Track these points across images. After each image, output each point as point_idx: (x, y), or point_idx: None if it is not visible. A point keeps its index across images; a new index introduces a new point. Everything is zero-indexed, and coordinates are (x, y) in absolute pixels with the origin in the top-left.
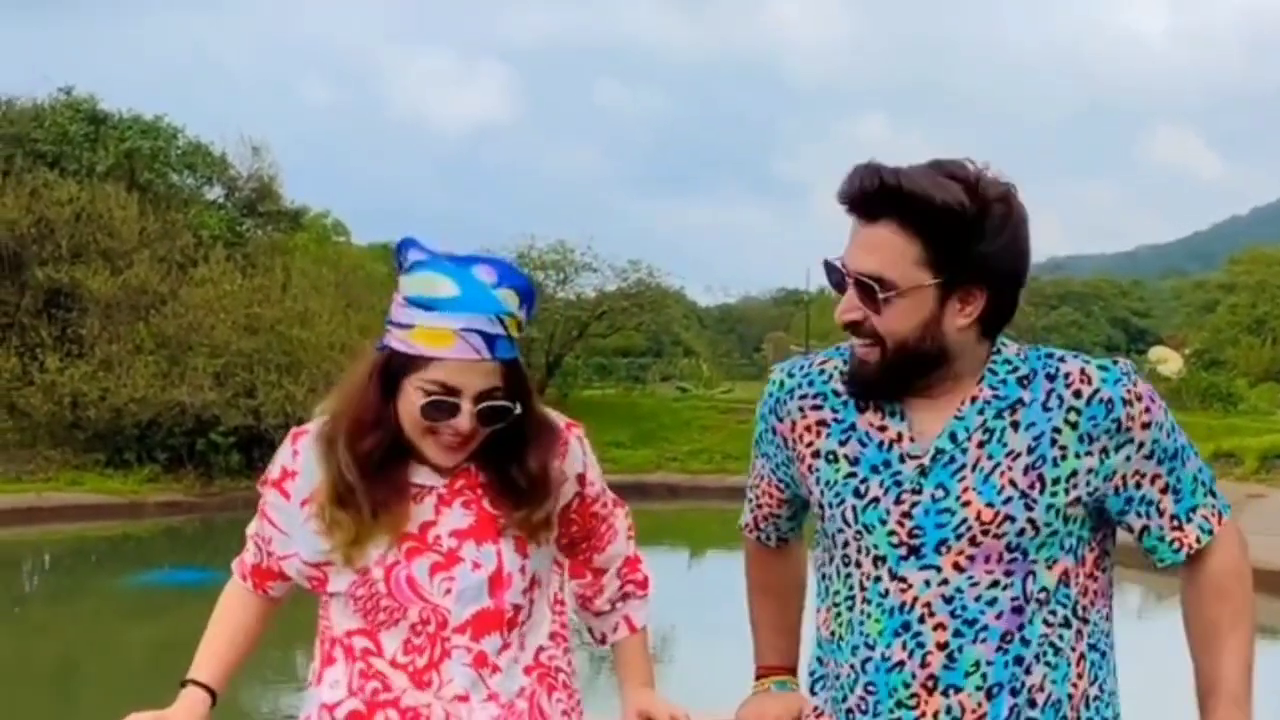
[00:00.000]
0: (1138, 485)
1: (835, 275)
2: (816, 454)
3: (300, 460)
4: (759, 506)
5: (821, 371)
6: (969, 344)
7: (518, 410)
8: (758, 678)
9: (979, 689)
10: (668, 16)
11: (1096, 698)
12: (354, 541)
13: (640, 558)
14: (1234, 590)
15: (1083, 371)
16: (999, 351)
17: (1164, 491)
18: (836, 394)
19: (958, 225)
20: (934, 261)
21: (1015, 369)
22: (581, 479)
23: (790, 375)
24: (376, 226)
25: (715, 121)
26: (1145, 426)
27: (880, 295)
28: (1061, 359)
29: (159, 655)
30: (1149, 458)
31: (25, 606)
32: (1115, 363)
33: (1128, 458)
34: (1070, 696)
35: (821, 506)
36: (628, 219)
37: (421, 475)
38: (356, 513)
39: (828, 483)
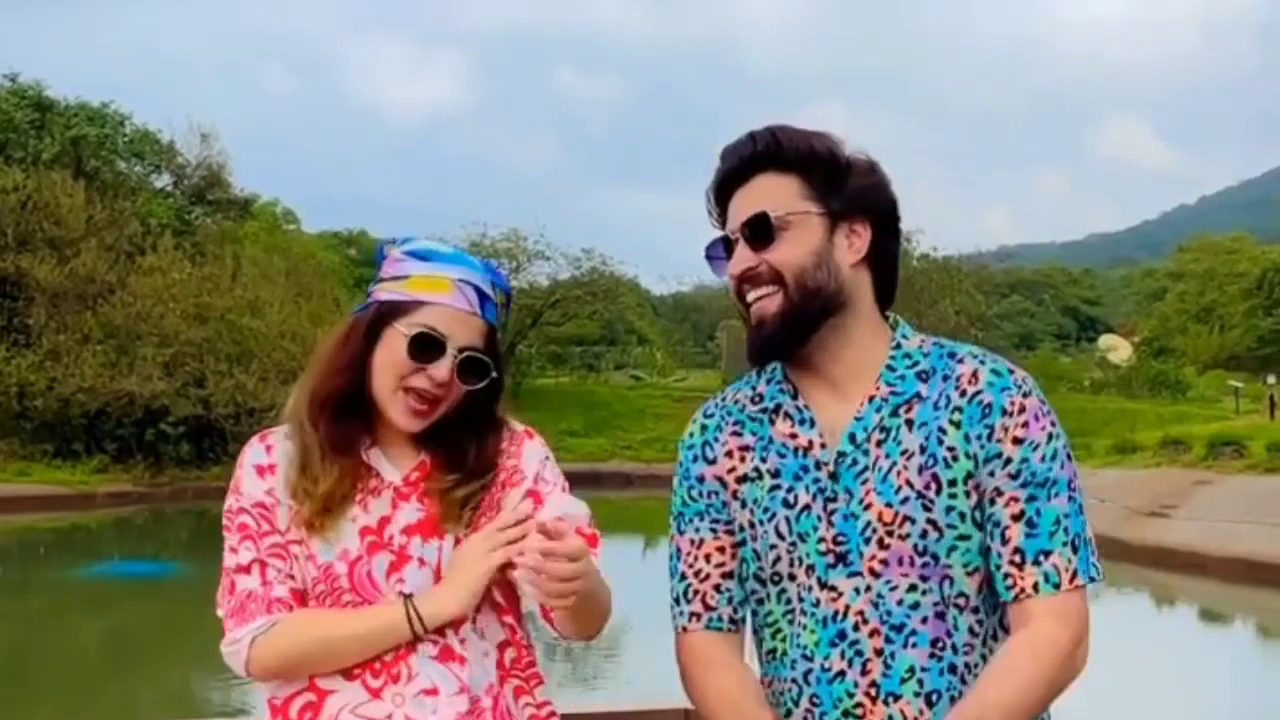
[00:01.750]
0: (992, 503)
1: (720, 249)
2: (741, 478)
3: (276, 453)
4: (704, 579)
5: (736, 401)
6: (864, 303)
7: (493, 375)
8: None
9: (918, 695)
10: (627, 2)
11: None
12: (323, 508)
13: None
14: (1030, 669)
15: (974, 373)
16: (899, 346)
17: (1016, 519)
18: (751, 417)
19: (832, 164)
20: (814, 195)
21: (915, 364)
22: (537, 476)
23: (709, 416)
24: (328, 215)
25: (671, 109)
26: (1017, 442)
27: (773, 219)
28: (960, 359)
29: (110, 646)
30: (1013, 477)
31: None
32: (1012, 371)
33: (992, 472)
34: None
35: (752, 526)
36: (582, 207)
37: (381, 467)
38: (321, 475)
39: (755, 501)
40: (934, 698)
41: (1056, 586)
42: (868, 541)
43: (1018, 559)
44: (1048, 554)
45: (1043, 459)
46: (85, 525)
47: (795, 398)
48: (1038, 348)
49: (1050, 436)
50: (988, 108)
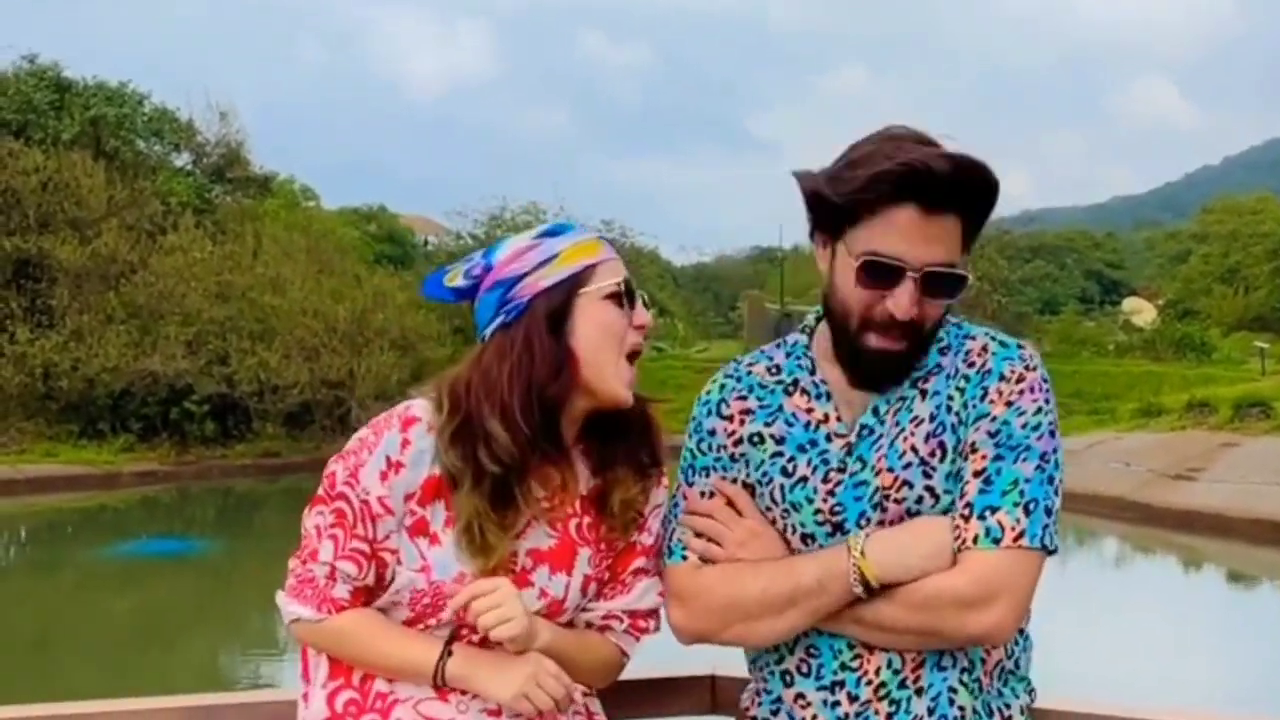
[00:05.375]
0: (965, 458)
1: (886, 270)
2: (740, 440)
3: (411, 451)
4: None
5: (750, 370)
6: None
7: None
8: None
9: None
10: None
11: (1011, 672)
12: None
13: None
14: (927, 618)
15: (984, 346)
16: None
17: (977, 475)
18: (763, 385)
19: (988, 214)
20: (967, 243)
21: (938, 341)
22: (645, 525)
23: (728, 376)
24: (348, 190)
25: (694, 77)
26: (1008, 404)
27: (965, 283)
28: (971, 336)
29: (138, 625)
30: (990, 435)
31: (3, 578)
32: (1021, 347)
33: (977, 428)
34: (984, 661)
35: (749, 488)
36: (601, 178)
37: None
38: (507, 512)
39: (755, 464)
40: (920, 653)
41: (996, 542)
42: (873, 508)
43: (966, 512)
44: (995, 510)
45: (1024, 426)
46: (112, 504)
47: (813, 373)
48: (1061, 312)
49: (1039, 410)
50: (1010, 69)
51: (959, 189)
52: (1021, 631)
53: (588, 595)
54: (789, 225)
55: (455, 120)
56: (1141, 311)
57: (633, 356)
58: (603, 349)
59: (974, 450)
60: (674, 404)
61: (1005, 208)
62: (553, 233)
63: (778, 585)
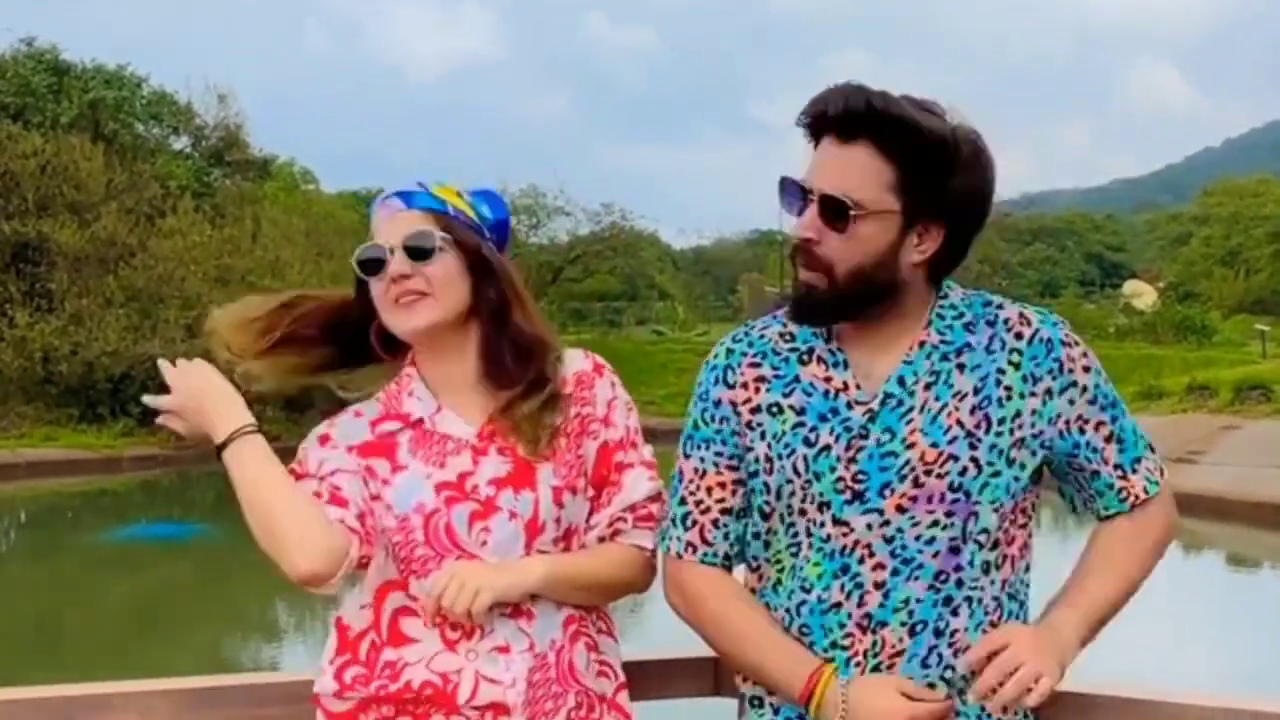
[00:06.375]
0: (1081, 430)
1: (795, 194)
2: (757, 409)
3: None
4: (705, 512)
5: (763, 335)
6: (918, 283)
7: (439, 242)
8: (808, 686)
9: (904, 625)
10: None
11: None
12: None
13: (660, 504)
14: (1148, 542)
15: (1021, 315)
16: (945, 296)
17: (1108, 440)
18: (776, 352)
19: (936, 155)
20: (904, 188)
21: (961, 314)
22: (606, 419)
23: (736, 342)
24: (347, 173)
25: (696, 61)
26: (1086, 370)
27: (851, 213)
28: (1000, 305)
29: (138, 609)
30: (1092, 403)
31: (3, 563)
32: (1052, 310)
33: (1071, 401)
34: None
35: (768, 460)
36: (599, 161)
37: (453, 427)
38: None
39: (775, 435)
40: (918, 628)
41: (1156, 485)
42: (903, 480)
43: (1120, 472)
44: (1140, 460)
45: (1105, 381)
46: (112, 489)
47: (829, 341)
48: (1061, 295)
49: (1097, 361)
50: (1011, 52)
51: (860, 118)
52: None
53: (564, 506)
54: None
55: (456, 103)
56: (1142, 294)
57: (400, 295)
58: (380, 311)
59: (1085, 421)
60: (674, 388)
61: (1005, 190)
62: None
63: (754, 650)
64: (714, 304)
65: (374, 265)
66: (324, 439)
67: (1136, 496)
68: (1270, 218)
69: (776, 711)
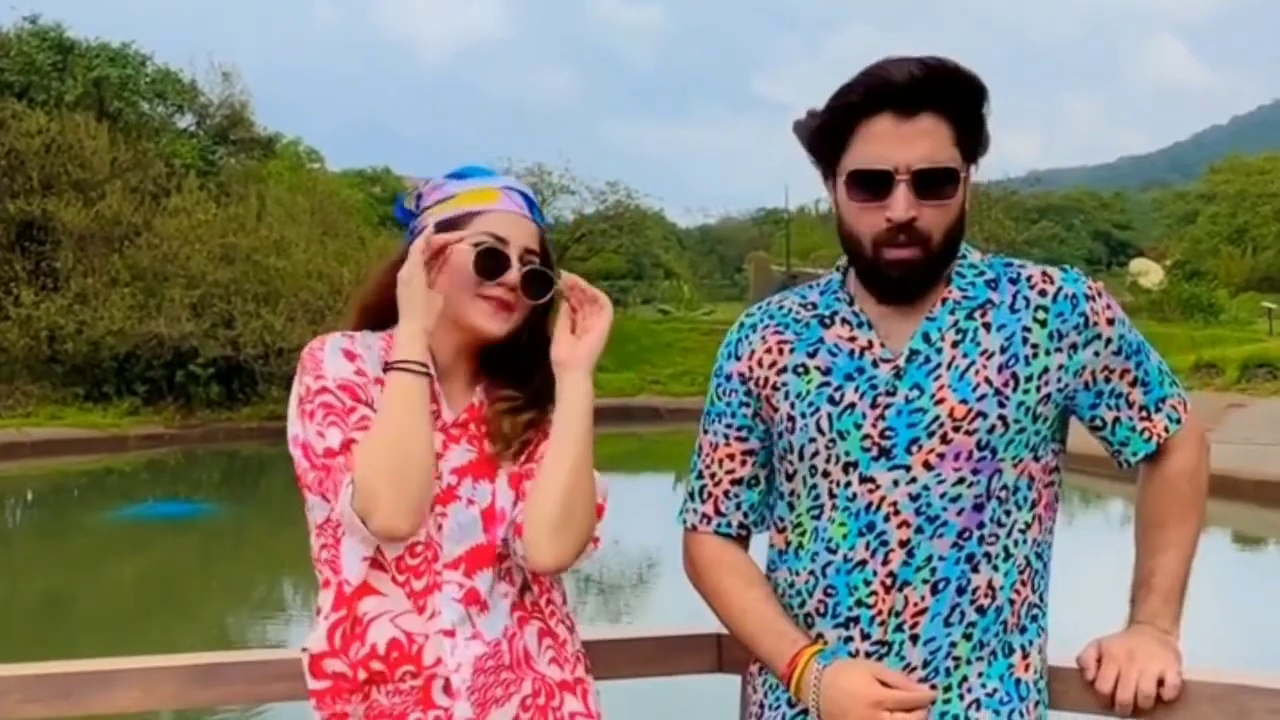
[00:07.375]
0: (1107, 379)
1: (872, 180)
2: (782, 370)
3: (359, 343)
4: (717, 483)
5: (783, 307)
6: None
7: (557, 284)
8: (790, 666)
9: (926, 583)
10: None
11: (1035, 606)
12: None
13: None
14: (1186, 488)
15: (1044, 273)
16: (964, 257)
17: (1133, 385)
18: (798, 319)
19: (980, 106)
20: (963, 145)
21: (982, 273)
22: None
23: (749, 317)
24: (353, 152)
25: (704, 38)
26: (1110, 322)
27: (954, 182)
28: (1021, 265)
29: (143, 588)
30: (1117, 353)
31: (10, 542)
32: (1072, 266)
33: (1096, 353)
34: (1012, 603)
35: (791, 419)
36: (610, 140)
37: (440, 403)
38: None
39: (799, 394)
40: (940, 585)
41: (1179, 421)
42: (931, 436)
43: (1144, 414)
44: (1164, 400)
45: (1130, 330)
46: (118, 467)
47: (851, 304)
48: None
49: (1120, 308)
50: (1020, 29)
51: (927, 87)
52: (1040, 605)
53: (520, 493)
54: (795, 187)
55: (463, 82)
56: (1149, 272)
57: (502, 305)
58: (454, 288)
59: (1110, 370)
60: (679, 367)
61: (1012, 168)
62: (461, 175)
63: (748, 626)
64: (720, 283)
65: (495, 262)
66: (350, 355)
67: (1159, 436)
68: (1278, 195)
69: (775, 688)
